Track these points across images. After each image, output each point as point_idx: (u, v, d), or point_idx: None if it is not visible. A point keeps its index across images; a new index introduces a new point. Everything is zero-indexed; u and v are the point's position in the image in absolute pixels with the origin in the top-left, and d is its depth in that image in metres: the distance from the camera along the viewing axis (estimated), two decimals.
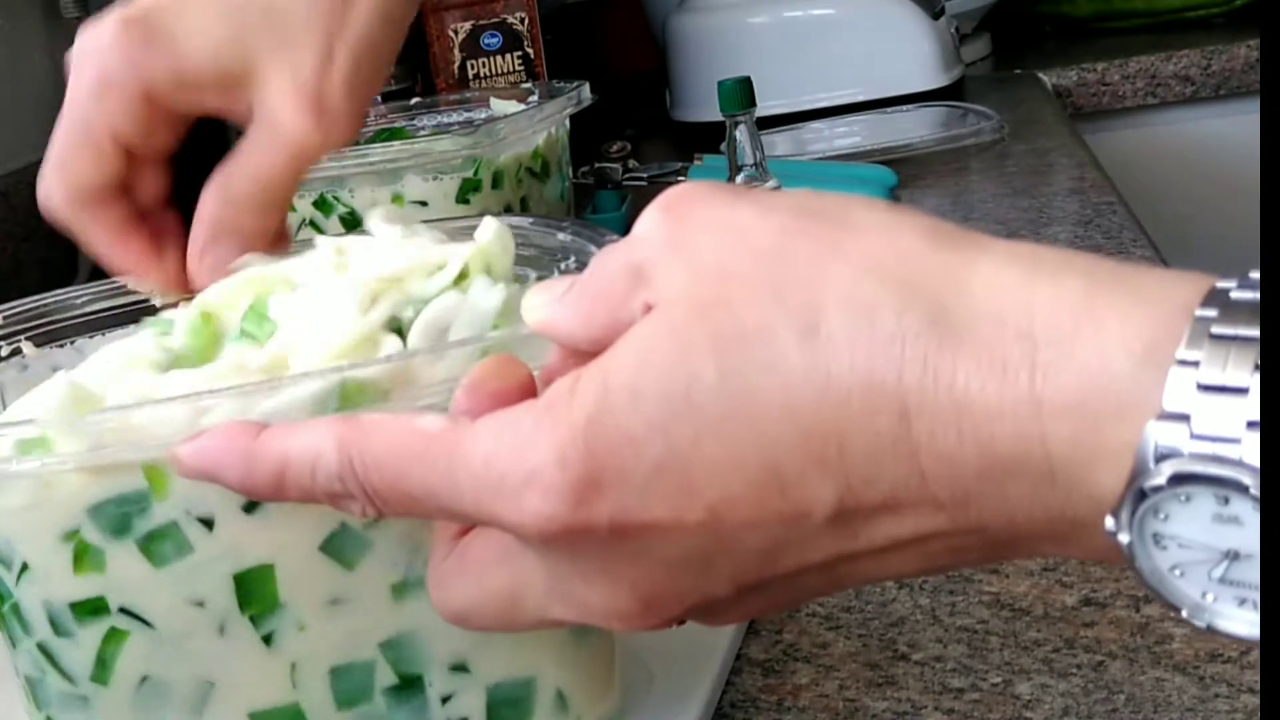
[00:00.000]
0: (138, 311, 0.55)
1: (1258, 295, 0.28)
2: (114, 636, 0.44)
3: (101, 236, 0.53)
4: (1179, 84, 1.67)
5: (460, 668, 0.44)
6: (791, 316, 0.31)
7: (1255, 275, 0.29)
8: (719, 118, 1.04)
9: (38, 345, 0.54)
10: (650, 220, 0.35)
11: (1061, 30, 1.95)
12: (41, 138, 0.55)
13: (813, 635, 0.55)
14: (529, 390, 0.37)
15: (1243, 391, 0.27)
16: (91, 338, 0.55)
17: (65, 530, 0.43)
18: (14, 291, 0.48)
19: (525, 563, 0.36)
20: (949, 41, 1.58)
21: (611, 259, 0.35)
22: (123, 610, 0.44)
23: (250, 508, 0.42)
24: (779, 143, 1.44)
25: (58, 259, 1.19)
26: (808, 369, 0.31)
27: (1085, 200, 1.13)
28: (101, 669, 0.44)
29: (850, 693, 0.51)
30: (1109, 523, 0.29)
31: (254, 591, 0.43)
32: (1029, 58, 1.80)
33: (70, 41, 0.53)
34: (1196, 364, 0.28)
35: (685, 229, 0.34)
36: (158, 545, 0.43)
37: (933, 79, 1.53)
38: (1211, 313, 0.28)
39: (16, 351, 0.53)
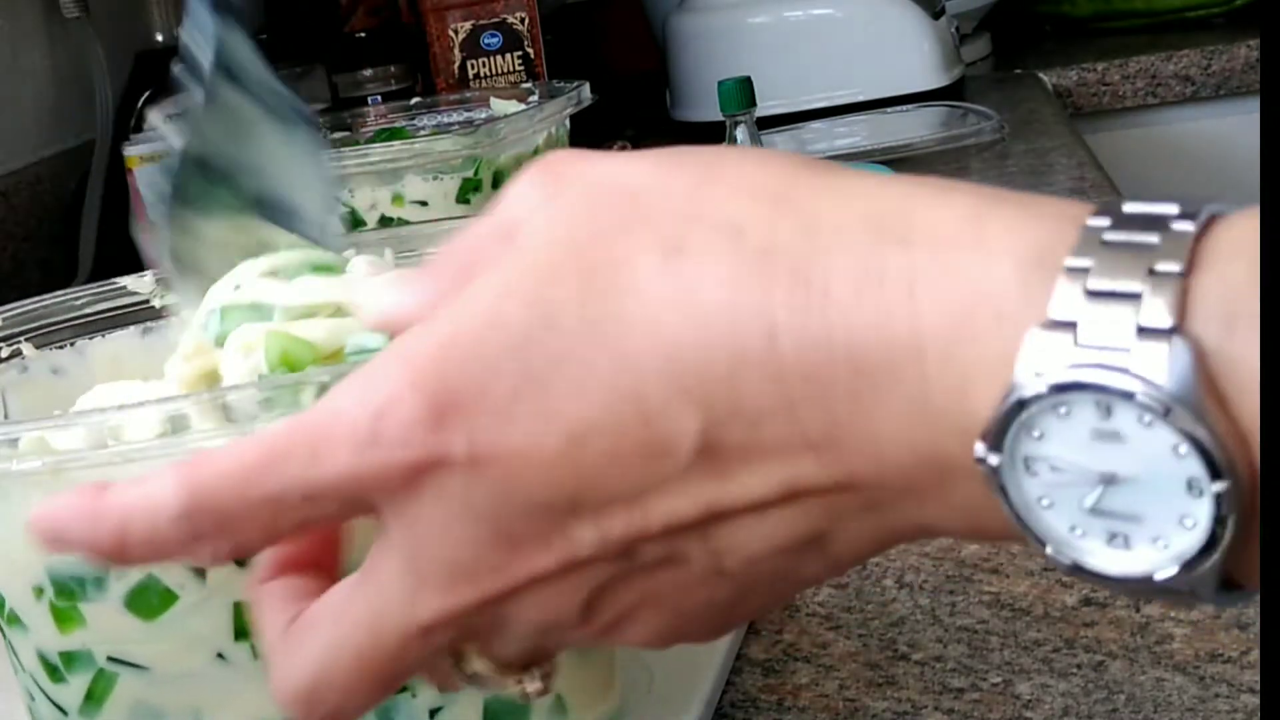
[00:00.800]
0: (138, 312, 0.55)
1: (1151, 208, 0.27)
2: (103, 678, 0.44)
3: None
4: (1179, 84, 1.67)
5: None
6: (658, 239, 0.30)
7: (1151, 195, 0.27)
8: (719, 118, 1.05)
9: (38, 346, 0.54)
10: (523, 179, 0.34)
11: (1062, 30, 1.95)
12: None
13: (813, 635, 0.55)
14: None
15: (1134, 298, 0.26)
16: (91, 339, 0.55)
17: (35, 585, 0.43)
18: (14, 292, 0.48)
19: (383, 561, 0.33)
20: (949, 41, 1.58)
21: (474, 228, 0.34)
22: (111, 659, 0.43)
23: (242, 560, 0.39)
24: (779, 142, 1.44)
25: (57, 259, 1.19)
26: (673, 288, 0.29)
27: (1085, 200, 1.13)
28: (91, 703, 0.44)
29: (850, 693, 0.51)
30: (978, 447, 0.27)
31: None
32: (1029, 57, 1.80)
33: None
34: (1086, 271, 0.26)
35: (559, 184, 0.33)
36: (143, 599, 0.42)
37: (933, 79, 1.53)
38: (1104, 221, 0.27)
39: (17, 353, 0.53)
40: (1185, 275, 0.26)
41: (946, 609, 0.55)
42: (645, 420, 0.30)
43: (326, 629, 0.34)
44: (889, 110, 1.50)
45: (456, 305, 0.31)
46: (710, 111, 1.16)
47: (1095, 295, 0.26)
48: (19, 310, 0.54)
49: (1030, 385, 0.27)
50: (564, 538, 0.31)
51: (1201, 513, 0.26)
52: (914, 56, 1.53)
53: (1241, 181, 1.59)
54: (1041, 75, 1.68)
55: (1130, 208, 0.27)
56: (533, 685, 0.35)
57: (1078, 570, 0.28)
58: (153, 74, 1.22)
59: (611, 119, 1.48)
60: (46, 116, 1.21)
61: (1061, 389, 0.26)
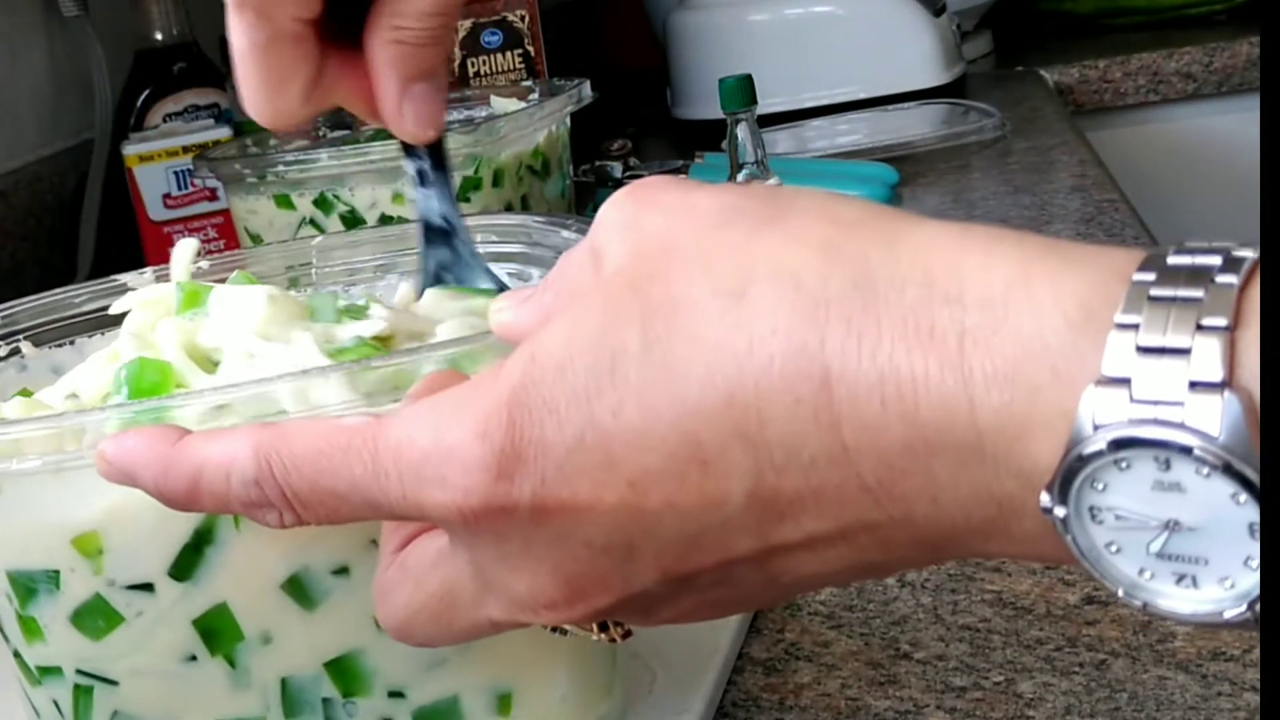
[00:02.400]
0: None
1: (1194, 259, 0.28)
2: (80, 692, 0.44)
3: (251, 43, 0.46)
4: (1181, 81, 1.67)
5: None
6: (718, 284, 0.31)
7: (1190, 244, 0.28)
8: (720, 115, 1.04)
9: (37, 345, 0.54)
10: (610, 204, 0.35)
11: (1063, 27, 1.95)
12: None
13: (814, 634, 0.55)
14: None
15: (1184, 353, 0.27)
16: (91, 337, 0.55)
17: (4, 591, 0.43)
18: (13, 291, 0.48)
19: (456, 561, 0.35)
20: (950, 39, 1.58)
21: (574, 251, 0.36)
22: (79, 672, 0.44)
23: (181, 574, 0.41)
24: (780, 140, 1.44)
25: (57, 258, 1.19)
26: (730, 334, 0.30)
27: (1087, 197, 1.13)
28: (73, 713, 0.44)
29: (852, 691, 0.51)
30: (1044, 498, 0.28)
31: (218, 631, 0.42)
32: (1031, 55, 1.80)
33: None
34: (1136, 327, 0.27)
35: (642, 209, 0.34)
36: (89, 620, 0.42)
37: (934, 76, 1.53)
38: (1149, 276, 0.28)
39: (15, 351, 0.53)
40: (1231, 329, 0.27)
41: (948, 607, 0.55)
42: (703, 467, 0.31)
43: (409, 590, 0.37)
44: (890, 108, 1.50)
45: (534, 345, 0.33)
46: (711, 109, 1.15)
47: (1146, 351, 0.27)
48: (18, 308, 0.54)
49: (1090, 441, 0.27)
50: (622, 578, 0.33)
51: None
52: (915, 54, 1.53)
53: (1243, 179, 1.59)
54: (1043, 72, 1.68)
55: (1174, 260, 0.28)
56: (618, 631, 0.37)
57: (1149, 609, 0.29)
58: (152, 72, 1.22)
59: (612, 117, 1.48)
60: (46, 115, 1.21)
61: (1121, 444, 0.27)
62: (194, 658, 0.42)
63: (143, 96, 1.21)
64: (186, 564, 0.41)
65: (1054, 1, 1.94)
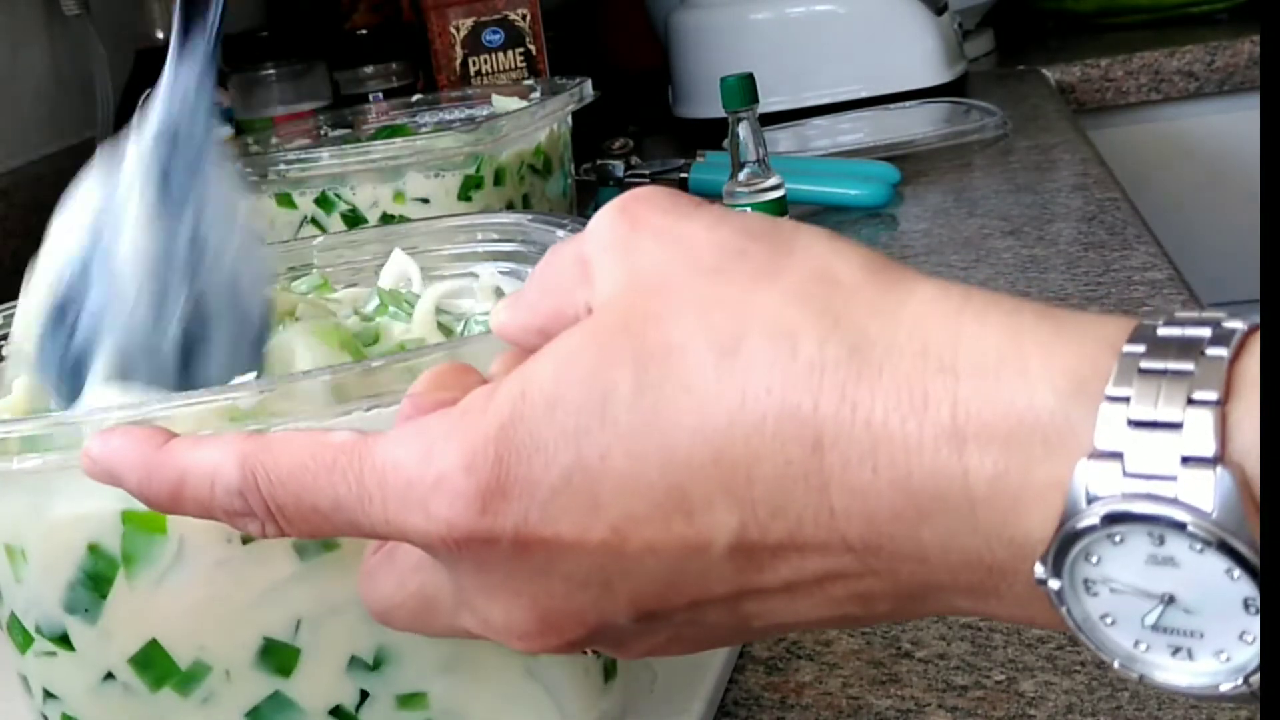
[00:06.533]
0: None
1: (1183, 331, 0.28)
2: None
3: None
4: (1183, 80, 1.67)
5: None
6: (714, 336, 0.31)
7: (1180, 314, 0.28)
8: (721, 114, 1.04)
9: None
10: (605, 216, 0.35)
11: (1065, 26, 1.95)
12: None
13: (816, 633, 0.55)
14: None
15: (1176, 427, 0.27)
16: None
17: None
18: (14, 290, 0.48)
19: (437, 575, 0.35)
20: (952, 37, 1.58)
21: (562, 248, 0.35)
22: (46, 692, 0.45)
23: (79, 613, 0.42)
24: (782, 139, 1.44)
25: None
26: (723, 390, 0.30)
27: (1089, 196, 1.13)
28: None
29: (854, 690, 0.51)
30: (1038, 569, 0.28)
31: (154, 666, 0.42)
32: (1032, 54, 1.80)
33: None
34: (1127, 400, 0.27)
35: (635, 232, 0.34)
36: (14, 634, 0.43)
37: (936, 75, 1.53)
38: (1139, 348, 0.28)
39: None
40: (1222, 403, 0.27)
41: None
42: (688, 516, 0.31)
43: (393, 584, 0.37)
44: (892, 107, 1.50)
45: (524, 380, 0.33)
46: (713, 108, 1.15)
47: (1138, 425, 0.27)
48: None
49: (1084, 516, 0.28)
50: (597, 613, 0.33)
51: (1258, 628, 0.27)
52: (917, 53, 1.53)
53: (1243, 178, 1.59)
54: (1045, 71, 1.68)
55: (1164, 331, 0.28)
56: (593, 651, 0.37)
57: (1145, 680, 0.29)
58: (153, 71, 1.21)
59: (614, 115, 1.48)
60: (47, 114, 1.21)
61: (1114, 519, 0.27)
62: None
63: (144, 95, 1.21)
64: None
65: (1056, 0, 1.94)
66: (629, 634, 0.34)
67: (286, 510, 0.34)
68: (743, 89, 1.03)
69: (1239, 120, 1.64)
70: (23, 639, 0.44)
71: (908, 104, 1.50)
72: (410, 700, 0.43)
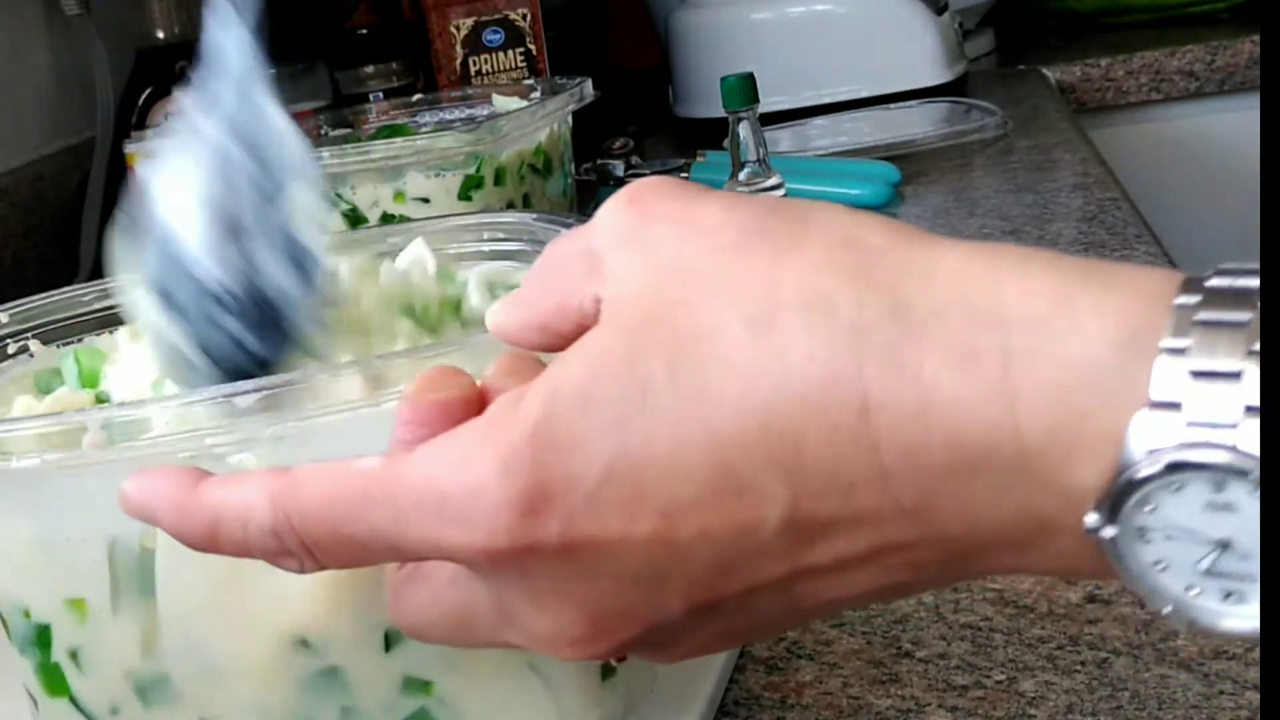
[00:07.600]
0: None
1: (1234, 281, 0.28)
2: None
3: None
4: (1183, 79, 1.66)
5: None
6: (746, 311, 0.30)
7: (1227, 265, 0.28)
8: (722, 114, 1.04)
9: (45, 343, 0.54)
10: (612, 209, 0.34)
11: (1065, 26, 1.95)
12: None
13: (816, 633, 0.55)
14: (473, 400, 0.35)
15: (1236, 376, 0.27)
16: (99, 335, 0.55)
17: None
18: (14, 290, 0.48)
19: (475, 591, 0.34)
20: (952, 37, 1.58)
21: (564, 243, 0.35)
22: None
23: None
24: (782, 139, 1.44)
25: (58, 257, 1.19)
26: (763, 363, 0.30)
27: (1089, 196, 1.13)
28: None
29: (854, 690, 0.51)
30: (1091, 519, 0.28)
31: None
32: (1033, 53, 1.80)
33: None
34: (1184, 351, 0.27)
35: (647, 221, 0.33)
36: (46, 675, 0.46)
37: (936, 75, 1.53)
38: (1192, 299, 0.28)
39: (24, 349, 0.53)
40: None
41: (950, 606, 0.55)
42: (738, 495, 0.30)
43: (425, 601, 0.36)
44: (892, 106, 1.50)
45: (553, 380, 0.32)
46: (713, 108, 1.15)
47: (1199, 375, 0.27)
48: (27, 306, 0.54)
49: (1145, 465, 0.28)
50: (650, 609, 0.33)
51: None
52: (917, 52, 1.53)
53: (1244, 178, 1.59)
54: (1045, 71, 1.68)
55: (1215, 282, 0.28)
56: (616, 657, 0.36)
57: (1194, 627, 0.29)
58: (154, 71, 1.22)
59: (614, 115, 1.48)
60: (47, 114, 1.21)
61: (1176, 468, 0.27)
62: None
63: (144, 95, 1.21)
64: None
65: (1056, 0, 1.94)
66: (680, 630, 0.33)
67: (323, 545, 0.34)
68: (743, 89, 1.03)
69: (1239, 120, 1.64)
70: None
71: (908, 104, 1.50)
72: (415, 685, 0.43)
